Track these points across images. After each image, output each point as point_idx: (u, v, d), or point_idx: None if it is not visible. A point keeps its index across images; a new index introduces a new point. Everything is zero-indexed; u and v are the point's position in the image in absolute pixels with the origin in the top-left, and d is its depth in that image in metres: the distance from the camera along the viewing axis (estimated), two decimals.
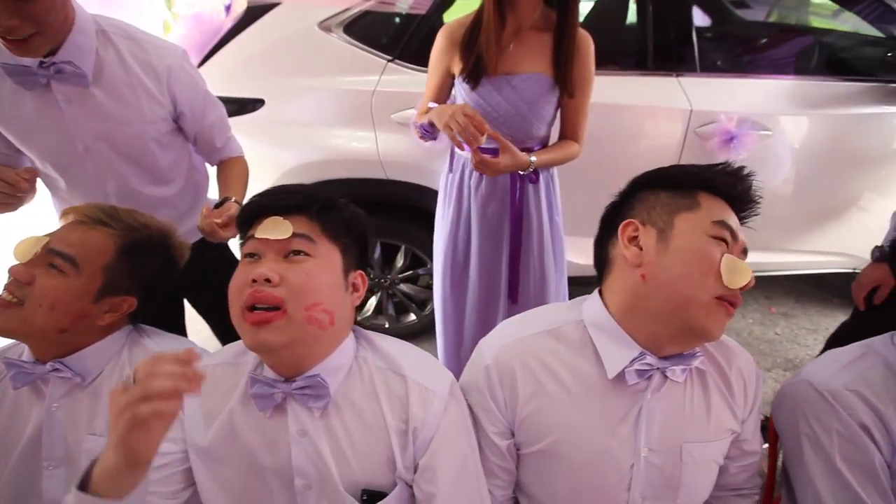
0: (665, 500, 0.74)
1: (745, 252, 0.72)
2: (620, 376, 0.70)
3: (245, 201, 0.71)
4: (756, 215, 0.76)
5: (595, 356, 0.72)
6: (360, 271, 0.74)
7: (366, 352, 0.73)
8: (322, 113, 1.62)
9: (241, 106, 1.64)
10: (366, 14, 1.56)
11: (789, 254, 2.02)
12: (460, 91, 1.24)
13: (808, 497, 0.76)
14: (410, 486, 0.71)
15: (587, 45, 1.19)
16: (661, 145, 1.66)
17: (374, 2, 1.53)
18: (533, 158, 1.18)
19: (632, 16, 1.87)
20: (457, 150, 1.31)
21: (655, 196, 0.74)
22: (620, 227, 0.73)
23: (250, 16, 1.60)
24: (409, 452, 0.69)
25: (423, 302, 2.04)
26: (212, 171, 1.28)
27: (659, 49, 1.62)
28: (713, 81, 1.65)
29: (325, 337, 0.67)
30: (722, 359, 0.77)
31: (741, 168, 0.74)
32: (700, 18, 2.60)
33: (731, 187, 0.72)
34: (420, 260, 1.93)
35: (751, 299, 2.48)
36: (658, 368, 0.70)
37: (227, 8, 1.79)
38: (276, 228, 0.66)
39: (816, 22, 2.51)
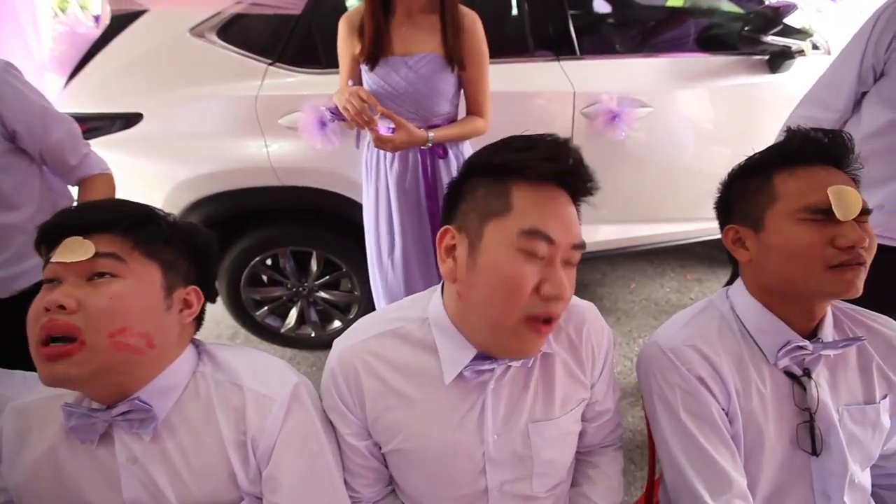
0: (522, 478, 0.75)
1: (577, 247, 0.64)
2: (461, 376, 0.69)
3: (43, 221, 0.65)
4: (597, 189, 0.68)
5: (437, 354, 0.71)
6: (192, 287, 0.69)
7: (205, 366, 0.70)
8: (205, 123, 1.55)
9: (119, 122, 1.55)
10: (238, 17, 1.51)
11: (697, 222, 2.13)
12: (363, 73, 1.31)
13: (663, 452, 0.79)
14: (262, 500, 0.69)
15: (472, 21, 1.27)
16: (555, 129, 1.70)
17: (246, 4, 1.48)
18: (430, 135, 1.28)
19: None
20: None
21: (473, 194, 0.65)
22: (438, 236, 0.67)
23: (116, 26, 1.51)
24: (251, 465, 0.66)
25: (348, 306, 2.01)
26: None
27: (538, 37, 1.66)
28: (593, 63, 1.71)
29: (144, 361, 0.63)
30: (573, 329, 0.77)
31: (564, 142, 0.65)
32: (601, 6, 2.73)
33: (551, 171, 0.62)
34: (336, 265, 1.89)
35: (668, 269, 2.60)
36: (494, 368, 0.69)
37: (97, 19, 1.69)
38: (74, 250, 0.60)
39: (708, 4, 2.67)
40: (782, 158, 0.71)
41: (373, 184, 1.42)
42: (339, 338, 0.77)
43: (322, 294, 1.97)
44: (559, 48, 1.67)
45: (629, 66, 1.76)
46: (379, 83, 1.28)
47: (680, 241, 2.17)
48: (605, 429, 0.84)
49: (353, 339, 0.74)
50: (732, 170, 0.79)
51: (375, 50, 1.24)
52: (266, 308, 1.98)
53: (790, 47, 1.69)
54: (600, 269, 2.52)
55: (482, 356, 0.68)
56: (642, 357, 0.83)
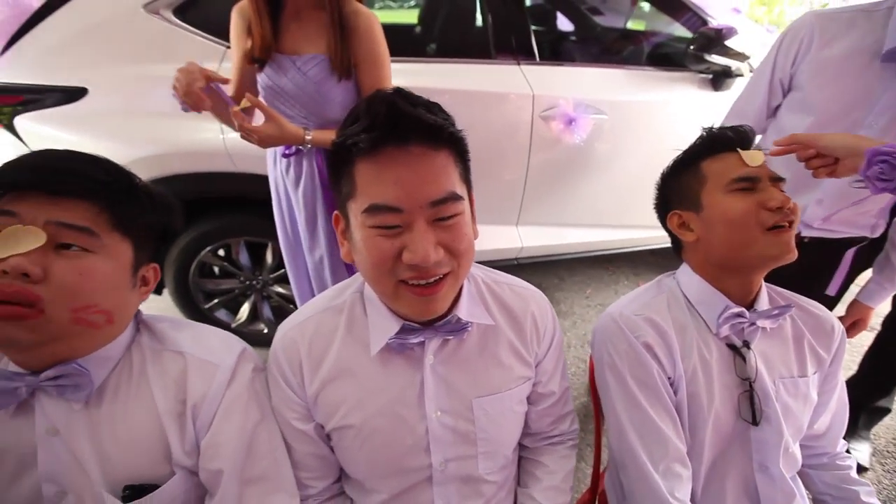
0: (467, 457, 0.74)
1: (440, 202, 0.60)
2: (390, 347, 0.69)
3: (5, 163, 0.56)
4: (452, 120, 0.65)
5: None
6: (153, 265, 0.66)
7: (142, 336, 0.66)
8: (156, 102, 1.48)
9: (59, 95, 1.45)
10: None
11: (650, 230, 2.22)
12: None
13: (611, 421, 0.81)
14: (196, 475, 0.65)
15: (366, 22, 1.14)
16: (516, 130, 1.75)
17: None
18: (309, 135, 1.16)
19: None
20: None
21: (341, 179, 0.65)
22: (333, 220, 0.70)
23: None
24: (188, 435, 0.63)
25: None
26: None
27: (500, 41, 1.71)
28: (552, 69, 1.78)
29: (98, 335, 0.59)
30: (517, 308, 0.78)
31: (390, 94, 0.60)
32: (565, 24, 2.86)
33: (370, 138, 0.57)
34: None
35: (622, 276, 2.71)
36: (423, 341, 0.70)
37: None
38: (23, 239, 0.52)
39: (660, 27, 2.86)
40: (704, 149, 0.82)
41: (274, 192, 1.36)
42: (283, 322, 0.76)
43: (277, 288, 1.91)
44: (520, 53, 1.73)
45: (587, 74, 1.84)
46: (267, 83, 1.18)
47: (634, 247, 2.27)
48: (550, 415, 0.84)
49: (295, 320, 0.74)
50: (664, 171, 0.88)
51: (262, 49, 1.13)
52: (217, 301, 1.90)
53: (730, 67, 1.82)
54: (558, 274, 2.58)
55: (409, 329, 0.68)
56: (596, 329, 0.86)
